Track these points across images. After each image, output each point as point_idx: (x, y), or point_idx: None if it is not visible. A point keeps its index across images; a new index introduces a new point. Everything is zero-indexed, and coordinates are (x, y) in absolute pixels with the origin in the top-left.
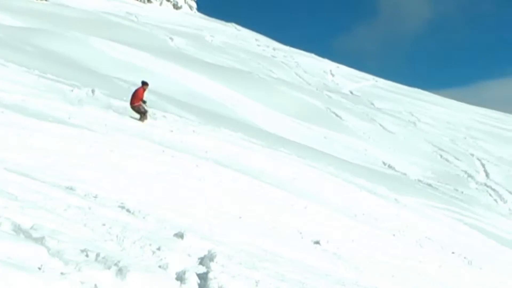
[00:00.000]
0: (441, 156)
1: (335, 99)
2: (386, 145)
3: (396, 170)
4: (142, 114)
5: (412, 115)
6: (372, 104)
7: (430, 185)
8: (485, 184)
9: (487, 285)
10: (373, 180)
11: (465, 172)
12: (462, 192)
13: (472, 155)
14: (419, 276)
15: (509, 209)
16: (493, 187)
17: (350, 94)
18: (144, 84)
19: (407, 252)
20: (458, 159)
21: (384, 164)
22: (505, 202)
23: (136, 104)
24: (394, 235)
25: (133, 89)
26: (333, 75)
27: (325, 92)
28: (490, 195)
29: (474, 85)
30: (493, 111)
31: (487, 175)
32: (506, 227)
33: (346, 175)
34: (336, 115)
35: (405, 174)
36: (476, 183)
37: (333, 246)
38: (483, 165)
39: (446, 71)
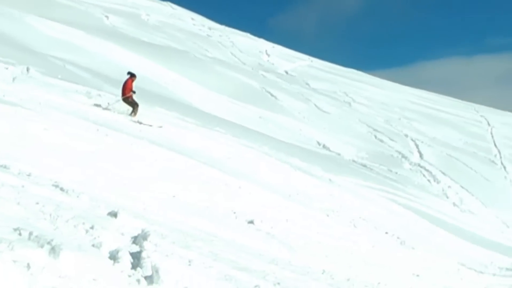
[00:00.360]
0: (375, 136)
1: (270, 79)
2: (321, 125)
3: (330, 150)
4: (134, 106)
5: (347, 95)
6: (307, 84)
7: (364, 165)
8: (419, 165)
9: (419, 265)
10: (308, 160)
11: (399, 152)
12: (396, 173)
13: (406, 136)
14: (352, 255)
15: (442, 190)
16: (426, 167)
17: (286, 74)
18: (132, 75)
19: (341, 232)
20: (392, 140)
21: (319, 144)
22: (438, 182)
23: (128, 95)
24: (328, 215)
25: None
26: (268, 55)
27: (260, 72)
28: (424, 175)
29: (411, 66)
30: (428, 92)
31: (420, 155)
32: (439, 207)
33: (281, 155)
34: (271, 95)
35: (339, 154)
36: (410, 163)
37: (267, 226)
38: (417, 146)
39: (383, 51)
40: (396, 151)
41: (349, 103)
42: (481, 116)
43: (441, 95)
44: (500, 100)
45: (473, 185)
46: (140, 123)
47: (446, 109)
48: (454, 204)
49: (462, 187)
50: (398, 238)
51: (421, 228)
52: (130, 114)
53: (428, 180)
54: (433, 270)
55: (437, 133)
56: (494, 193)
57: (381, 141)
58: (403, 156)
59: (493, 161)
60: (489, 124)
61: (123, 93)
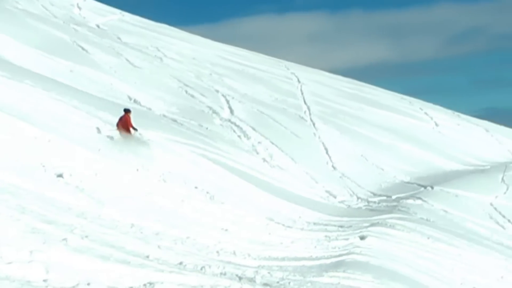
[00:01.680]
0: (186, 91)
1: (81, 33)
2: (132, 80)
3: (141, 105)
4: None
5: (159, 50)
6: (119, 38)
7: (175, 120)
8: (230, 121)
9: (228, 219)
10: (118, 114)
11: (210, 108)
12: (206, 128)
13: (217, 91)
14: (161, 210)
15: (252, 145)
16: (237, 123)
17: (97, 28)
18: (128, 111)
19: (150, 187)
20: (203, 95)
21: (130, 98)
22: (248, 138)
23: (128, 132)
24: (138, 169)
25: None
26: (80, 8)
27: (71, 26)
28: (234, 131)
29: (224, 22)
30: (240, 48)
31: (231, 111)
32: (249, 163)
33: (91, 108)
34: (83, 48)
35: (150, 109)
36: (221, 119)
37: (76, 180)
38: (227, 102)
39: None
40: (207, 106)
41: (161, 58)
42: (292, 73)
43: (252, 52)
44: (310, 58)
45: (283, 141)
46: None
47: (257, 65)
48: (264, 160)
49: (272, 143)
50: (207, 193)
51: (230, 183)
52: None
53: (239, 136)
54: (241, 224)
55: (248, 89)
56: (303, 149)
57: (192, 96)
58: (214, 112)
59: (302, 118)
60: (299, 81)
61: (125, 130)
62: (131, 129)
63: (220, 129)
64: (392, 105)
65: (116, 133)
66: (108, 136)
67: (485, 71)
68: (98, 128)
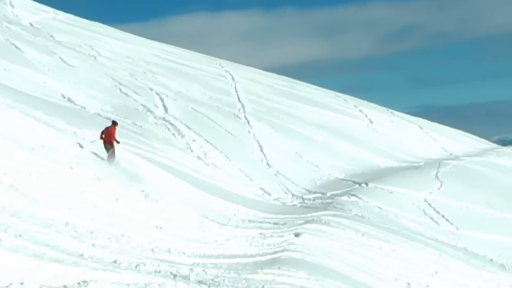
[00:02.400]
0: (120, 90)
1: (14, 31)
2: (65, 79)
3: (75, 104)
4: (112, 152)
5: (92, 48)
6: (52, 36)
7: (109, 119)
8: (164, 119)
9: (163, 217)
10: (52, 112)
11: (144, 106)
12: (140, 126)
13: (151, 89)
14: (95, 208)
15: (187, 143)
16: (171, 121)
17: (30, 26)
18: (115, 123)
19: (85, 185)
20: (137, 94)
21: (63, 97)
22: (182, 136)
23: (111, 144)
24: (71, 167)
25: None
26: (12, 6)
27: (4, 24)
28: (169, 129)
29: (159, 21)
30: (174, 46)
31: (165, 109)
32: (184, 161)
33: (24, 107)
34: (16, 47)
35: (84, 107)
36: (155, 117)
37: (9, 179)
38: (162, 100)
39: (130, 5)
40: (141, 104)
41: (94, 57)
42: (226, 71)
43: (186, 50)
44: (244, 56)
45: (217, 139)
46: None
47: (192, 63)
48: (199, 158)
49: (207, 141)
50: (142, 191)
51: (165, 182)
52: (108, 158)
53: (173, 134)
54: (176, 222)
55: (182, 87)
56: (238, 147)
57: (126, 94)
58: (148, 110)
59: (237, 116)
60: (233, 79)
61: (107, 140)
62: (113, 141)
63: (154, 127)
64: (327, 102)
65: (47, 130)
66: (40, 135)
67: (420, 69)
68: (29, 127)
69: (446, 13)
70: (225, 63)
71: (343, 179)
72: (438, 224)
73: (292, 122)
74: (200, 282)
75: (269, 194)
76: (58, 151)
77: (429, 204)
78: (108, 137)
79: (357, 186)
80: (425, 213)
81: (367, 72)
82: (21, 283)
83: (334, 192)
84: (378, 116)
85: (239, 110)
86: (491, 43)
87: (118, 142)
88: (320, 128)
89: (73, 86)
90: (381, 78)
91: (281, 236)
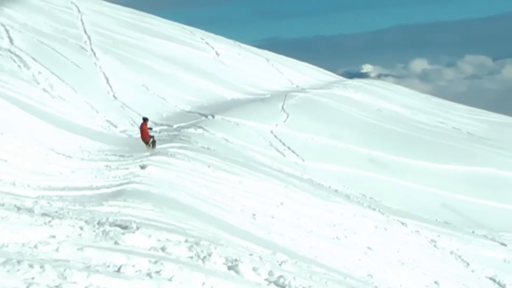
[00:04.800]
0: None
1: None
2: None
3: None
4: (152, 142)
5: None
6: None
7: None
8: (9, 51)
9: (8, 150)
10: None
11: None
12: None
13: None
14: None
15: (33, 75)
16: (17, 53)
17: None
18: (146, 119)
19: None
20: None
21: None
22: (28, 68)
23: (147, 139)
24: None
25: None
26: None
27: None
28: (14, 61)
29: None
30: None
31: (11, 41)
32: (29, 93)
33: None
34: None
35: None
36: (0, 49)
37: None
38: (7, 32)
39: None
40: None
41: None
42: (71, 3)
43: None
44: None
45: (63, 72)
46: None
47: None
48: (45, 90)
49: (53, 73)
50: None
51: (10, 114)
52: (151, 148)
53: (19, 66)
54: (21, 155)
55: (27, 19)
56: (84, 79)
57: None
58: None
59: (83, 48)
60: (79, 11)
61: (143, 137)
62: (150, 138)
63: (0, 59)
64: (173, 35)
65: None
66: None
67: (266, 1)
68: None
69: None
70: None
71: (189, 112)
72: (284, 156)
73: (139, 55)
74: (44, 214)
75: (115, 126)
76: None
77: (275, 136)
78: (141, 134)
79: (203, 118)
80: (271, 145)
81: (214, 4)
82: None
83: (180, 125)
84: (225, 48)
85: (85, 42)
86: None
87: (151, 137)
88: (167, 61)
89: None
90: (227, 10)
91: (127, 168)
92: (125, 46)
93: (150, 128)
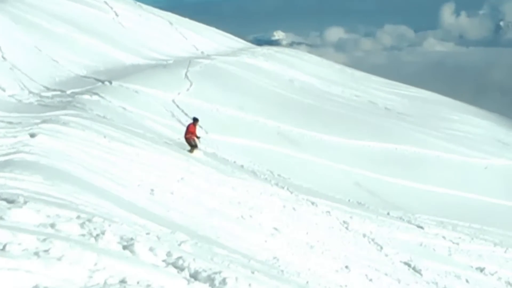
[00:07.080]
0: None
1: None
2: None
3: None
4: (192, 146)
5: None
6: None
7: None
8: None
9: None
10: None
11: None
12: None
13: None
14: None
15: None
16: None
17: None
18: (195, 120)
19: None
20: None
21: None
22: None
23: (187, 136)
24: None
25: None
26: None
27: None
28: None
29: None
30: None
31: None
32: None
33: None
34: None
35: None
36: None
37: None
38: None
39: None
40: None
41: None
42: None
43: None
44: None
45: None
46: None
47: None
48: None
49: None
50: None
51: None
52: (189, 151)
53: None
54: None
55: None
56: None
57: None
58: None
59: None
60: None
61: (185, 135)
62: (192, 136)
63: None
64: None
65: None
66: None
67: None
68: None
69: None
70: None
71: (84, 76)
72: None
73: (31, 13)
74: None
75: (4, 90)
76: None
77: (178, 106)
78: (188, 134)
79: (99, 84)
80: (173, 115)
81: None
82: None
83: (74, 90)
84: (124, 9)
85: None
86: None
87: (198, 138)
88: (62, 20)
89: None
90: None
91: (15, 137)
92: (16, 3)
93: (198, 137)
